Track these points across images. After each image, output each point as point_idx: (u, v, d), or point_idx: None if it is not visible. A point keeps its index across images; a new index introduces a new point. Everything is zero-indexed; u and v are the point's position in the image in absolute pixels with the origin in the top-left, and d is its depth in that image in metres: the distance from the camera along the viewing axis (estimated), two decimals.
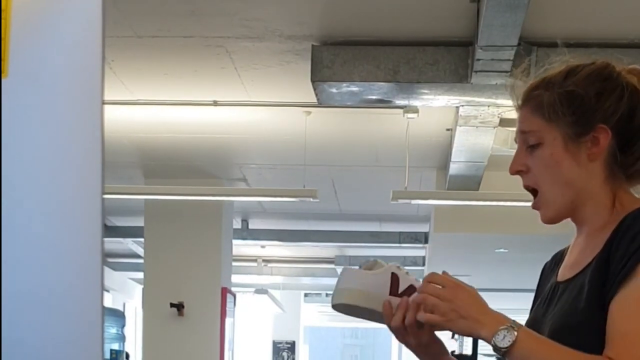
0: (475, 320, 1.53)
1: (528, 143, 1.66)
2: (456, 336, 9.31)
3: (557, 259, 1.77)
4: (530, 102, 1.68)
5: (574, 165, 1.63)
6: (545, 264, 1.82)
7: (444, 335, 1.69)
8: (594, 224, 1.65)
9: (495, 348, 1.51)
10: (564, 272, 1.70)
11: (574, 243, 1.72)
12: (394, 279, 1.60)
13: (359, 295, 1.60)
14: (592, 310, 1.55)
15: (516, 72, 1.77)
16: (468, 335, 1.54)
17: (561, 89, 1.64)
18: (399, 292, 1.60)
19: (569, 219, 1.70)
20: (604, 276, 1.55)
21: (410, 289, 1.61)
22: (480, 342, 7.86)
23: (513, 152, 1.72)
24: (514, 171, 1.68)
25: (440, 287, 1.56)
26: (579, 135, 1.63)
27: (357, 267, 1.64)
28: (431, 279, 1.58)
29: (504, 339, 1.50)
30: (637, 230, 1.53)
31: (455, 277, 1.58)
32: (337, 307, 1.65)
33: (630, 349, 1.48)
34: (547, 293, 1.71)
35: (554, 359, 1.51)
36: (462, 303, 1.54)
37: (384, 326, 1.64)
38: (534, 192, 1.69)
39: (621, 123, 1.62)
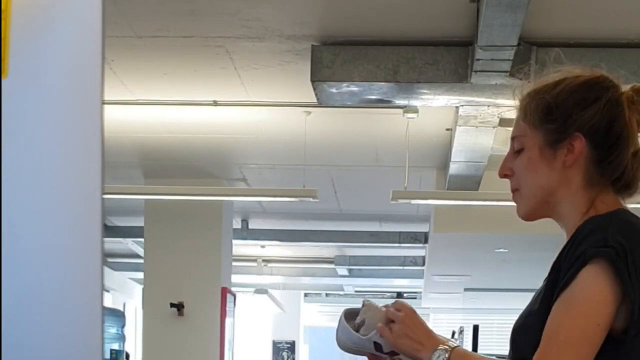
0: (419, 342, 1.69)
1: (514, 148, 1.75)
2: (456, 335, 9.31)
3: None
4: (521, 108, 1.76)
5: (548, 170, 1.70)
6: None
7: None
8: (569, 225, 1.70)
9: None
10: None
11: None
12: (377, 346, 1.77)
13: (351, 349, 1.84)
14: (541, 313, 1.62)
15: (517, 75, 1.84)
16: (411, 357, 1.70)
17: (544, 98, 1.70)
18: (385, 352, 1.78)
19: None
20: (555, 282, 1.61)
21: (394, 353, 1.77)
22: (480, 342, 7.86)
23: None
24: (501, 175, 1.78)
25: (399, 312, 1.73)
26: (556, 141, 1.69)
27: (346, 323, 1.83)
28: (396, 306, 1.75)
29: (438, 358, 1.66)
30: (583, 236, 1.59)
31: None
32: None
33: (547, 351, 1.56)
34: None
35: None
36: (412, 326, 1.70)
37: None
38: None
39: (599, 133, 1.67)
